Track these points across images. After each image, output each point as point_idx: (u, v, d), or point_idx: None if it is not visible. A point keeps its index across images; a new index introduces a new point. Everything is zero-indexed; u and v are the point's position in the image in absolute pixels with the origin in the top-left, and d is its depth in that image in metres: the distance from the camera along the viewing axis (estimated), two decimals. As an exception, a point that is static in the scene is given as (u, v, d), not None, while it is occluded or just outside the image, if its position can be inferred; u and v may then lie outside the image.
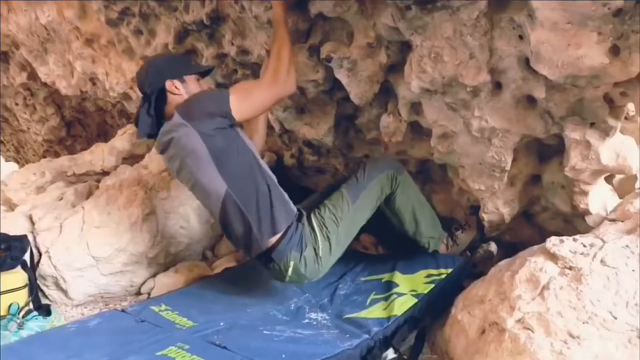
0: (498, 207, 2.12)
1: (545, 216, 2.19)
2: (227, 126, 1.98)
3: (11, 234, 2.63)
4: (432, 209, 2.39)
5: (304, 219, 2.10)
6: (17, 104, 5.20)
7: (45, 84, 4.38)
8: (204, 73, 2.27)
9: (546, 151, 2.00)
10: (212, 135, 1.95)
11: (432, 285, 2.12)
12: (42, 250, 2.68)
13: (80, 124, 5.43)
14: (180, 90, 2.09)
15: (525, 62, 1.67)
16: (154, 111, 2.11)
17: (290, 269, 2.06)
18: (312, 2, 2.03)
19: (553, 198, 2.04)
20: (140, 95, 2.17)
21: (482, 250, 2.51)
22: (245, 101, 1.99)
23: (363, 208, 2.18)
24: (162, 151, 2.13)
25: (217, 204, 2.05)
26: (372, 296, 2.13)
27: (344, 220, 2.12)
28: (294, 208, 2.11)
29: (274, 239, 2.02)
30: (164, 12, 2.72)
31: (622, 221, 1.72)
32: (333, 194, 2.22)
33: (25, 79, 4.58)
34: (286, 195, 2.12)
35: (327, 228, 2.09)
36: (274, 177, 2.11)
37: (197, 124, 1.95)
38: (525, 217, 2.28)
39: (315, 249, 2.06)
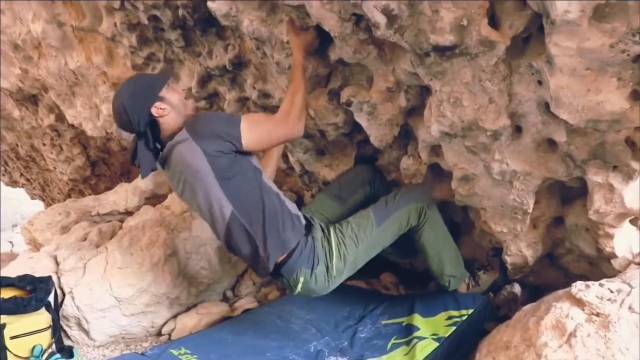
0: (521, 250, 2.10)
1: (569, 258, 2.15)
2: (232, 151, 1.96)
3: (36, 274, 2.67)
4: (457, 247, 2.37)
5: (317, 232, 2.09)
6: (44, 145, 5.34)
7: (72, 126, 4.50)
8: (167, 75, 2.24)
9: (569, 193, 1.99)
10: (217, 156, 1.94)
11: (453, 328, 2.09)
12: (66, 291, 2.71)
13: (104, 163, 5.54)
14: (166, 109, 2.04)
15: (545, 107, 1.67)
16: (153, 143, 2.07)
17: (299, 285, 2.06)
18: (332, 48, 2.07)
19: (577, 240, 2.02)
20: (124, 135, 2.15)
21: (506, 291, 2.47)
22: (255, 132, 1.98)
23: (386, 233, 2.18)
24: (163, 165, 2.11)
25: (222, 224, 2.03)
26: (392, 340, 2.10)
27: (364, 241, 2.12)
28: (303, 222, 2.10)
29: (282, 257, 2.01)
30: (188, 58, 2.80)
31: (650, 265, 1.69)
32: (359, 212, 2.22)
33: (53, 120, 4.71)
34: (294, 209, 2.10)
35: (345, 247, 2.09)
36: (281, 194, 2.10)
37: (203, 143, 1.94)
38: (550, 259, 2.24)
39: (327, 267, 2.06)
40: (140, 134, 2.07)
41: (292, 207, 2.11)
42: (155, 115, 2.03)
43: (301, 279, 2.04)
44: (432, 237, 2.26)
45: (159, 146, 2.10)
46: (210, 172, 1.95)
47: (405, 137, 2.25)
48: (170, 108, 2.05)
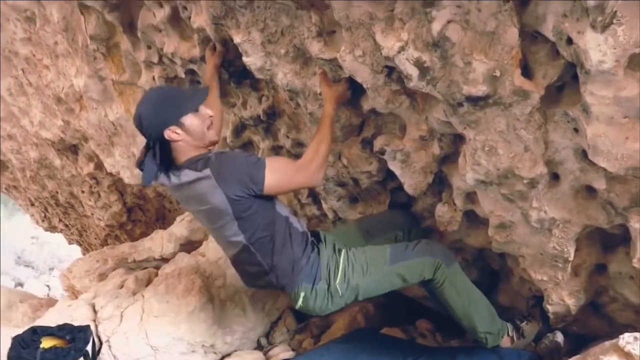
0: (563, 298, 2.04)
1: (614, 307, 2.08)
2: (252, 196, 1.97)
3: (75, 323, 2.71)
4: (489, 303, 2.27)
5: (325, 250, 2.12)
6: (83, 192, 5.50)
7: (110, 174, 4.64)
8: (201, 99, 2.07)
9: (611, 240, 1.93)
10: (238, 200, 1.95)
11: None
12: (103, 339, 2.75)
13: (140, 209, 5.67)
14: (181, 135, 1.98)
15: (583, 154, 1.66)
16: (160, 160, 2.01)
17: (300, 300, 2.10)
18: (365, 98, 2.11)
19: (622, 289, 1.95)
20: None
21: (548, 340, 2.39)
22: (276, 177, 1.99)
23: (395, 275, 2.15)
24: (175, 188, 2.07)
25: (232, 251, 2.12)
26: (433, 395, 2.04)
27: (372, 274, 2.12)
28: (309, 239, 2.14)
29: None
30: (223, 108, 2.88)
31: (701, 316, 1.62)
32: (379, 245, 2.23)
33: (92, 169, 4.87)
34: (301, 227, 2.15)
35: (352, 271, 2.09)
36: (290, 217, 2.13)
37: (225, 186, 1.94)
38: (593, 308, 2.17)
39: (329, 285, 2.07)
40: (150, 146, 2.04)
41: (299, 225, 2.16)
42: (167, 138, 1.98)
43: (302, 294, 2.08)
44: (455, 296, 2.19)
45: (163, 164, 2.03)
46: (229, 213, 1.98)
47: (440, 184, 2.24)
48: (186, 135, 1.99)
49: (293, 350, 3.02)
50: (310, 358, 2.63)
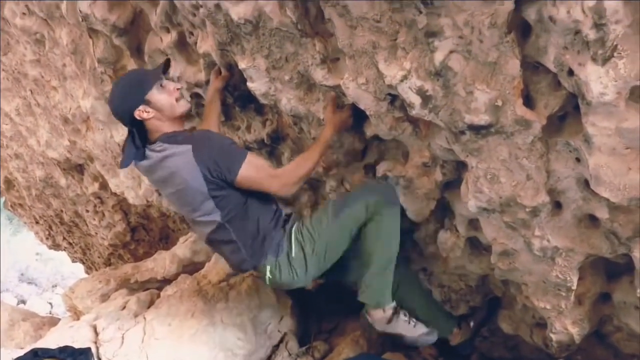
0: (567, 327, 2.02)
1: (619, 337, 2.06)
2: (224, 180, 2.03)
3: (76, 344, 2.70)
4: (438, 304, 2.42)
5: (287, 226, 2.19)
6: (87, 211, 5.52)
7: (114, 194, 4.66)
8: (162, 71, 2.13)
9: (615, 269, 1.92)
10: (214, 180, 2.01)
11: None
12: (104, 362, 2.73)
13: (144, 228, 5.67)
14: (150, 112, 2.04)
15: (585, 183, 1.66)
16: (139, 140, 2.09)
17: (267, 273, 2.15)
18: (368, 125, 2.12)
19: (626, 319, 1.93)
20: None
21: (552, 369, 2.37)
22: (251, 174, 2.04)
23: (344, 227, 2.16)
24: (152, 167, 2.11)
25: (207, 229, 2.15)
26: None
27: (321, 235, 2.15)
28: (282, 217, 2.22)
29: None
30: (227, 132, 2.89)
31: None
32: (321, 206, 2.30)
33: (97, 188, 4.89)
34: (275, 206, 2.23)
35: (302, 237, 2.14)
36: (272, 204, 2.21)
37: (203, 165, 1.99)
38: (598, 337, 2.15)
39: (288, 256, 2.13)
40: (130, 131, 2.12)
41: (274, 204, 2.24)
42: (139, 118, 2.05)
43: (268, 267, 2.14)
44: (374, 238, 2.15)
45: (143, 145, 2.11)
46: (204, 192, 2.03)
47: (443, 210, 2.24)
48: (156, 112, 2.05)
49: (294, 374, 2.99)
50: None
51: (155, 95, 2.06)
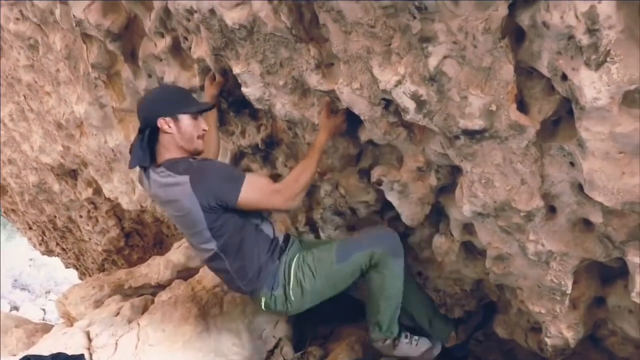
0: (561, 331, 2.02)
1: (614, 341, 2.06)
2: (224, 207, 2.03)
3: (69, 351, 2.68)
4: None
5: (285, 256, 2.19)
6: (81, 216, 5.49)
7: (108, 199, 4.64)
8: (204, 109, 2.22)
9: (609, 273, 1.93)
10: (211, 210, 2.02)
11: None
12: (97, 368, 2.71)
13: (138, 234, 5.64)
14: (172, 128, 2.08)
15: (579, 187, 1.66)
16: (147, 146, 2.11)
17: (262, 303, 2.18)
18: (362, 129, 2.12)
19: (621, 323, 1.94)
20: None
21: (547, 374, 2.37)
22: (251, 196, 2.04)
23: (345, 272, 2.19)
24: (153, 194, 2.14)
25: (203, 255, 2.19)
26: None
27: (322, 276, 2.17)
28: (280, 244, 2.22)
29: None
30: (221, 136, 2.89)
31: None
32: (325, 244, 2.29)
33: (91, 194, 4.87)
34: (271, 233, 2.22)
35: (303, 274, 2.14)
36: (260, 224, 2.19)
37: (200, 195, 1.99)
38: (592, 341, 2.15)
39: (285, 291, 2.14)
40: (142, 131, 2.12)
41: (270, 232, 2.23)
42: (159, 126, 2.07)
43: (262, 299, 2.16)
44: (379, 285, 2.22)
45: (148, 153, 2.12)
46: (202, 221, 2.04)
47: (437, 214, 2.25)
48: (177, 132, 2.08)
49: (289, 380, 2.98)
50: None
51: (186, 120, 2.11)
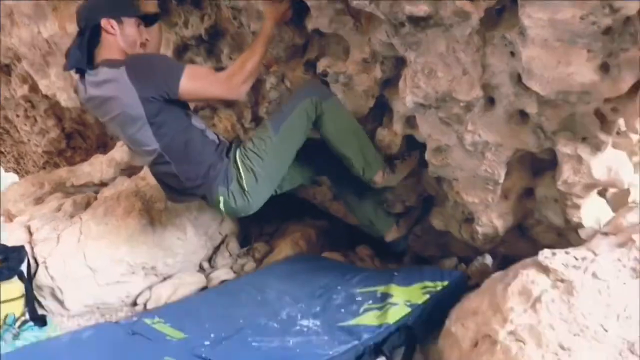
0: (492, 220, 2.14)
1: (539, 229, 2.20)
2: (166, 99, 1.97)
3: (9, 244, 2.64)
4: (368, 138, 2.30)
5: (231, 154, 2.16)
6: (17, 116, 5.23)
7: (46, 97, 4.41)
8: (146, 20, 2.13)
9: (539, 165, 2.02)
10: (151, 101, 1.95)
11: (427, 297, 2.12)
12: (39, 261, 2.69)
13: (80, 135, 5.45)
14: (115, 31, 2.00)
15: (518, 78, 1.70)
16: (86, 48, 2.00)
17: (221, 204, 2.14)
18: (309, 18, 2.06)
19: (546, 211, 2.06)
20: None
21: (478, 263, 2.53)
22: (194, 84, 1.98)
23: (288, 138, 2.16)
24: (89, 97, 2.06)
25: (147, 159, 2.14)
26: (365, 305, 2.14)
27: (268, 153, 2.13)
28: (225, 146, 2.18)
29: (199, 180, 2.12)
30: (164, 27, 2.74)
31: (615, 235, 1.74)
32: (259, 126, 2.26)
33: (27, 91, 4.60)
34: (215, 138, 2.19)
35: (250, 160, 2.12)
36: (205, 130, 2.16)
37: (140, 87, 1.92)
38: (520, 231, 2.29)
39: (239, 183, 2.12)
40: (81, 32, 2.03)
41: (214, 137, 2.19)
42: (103, 26, 1.99)
43: (221, 199, 2.13)
44: (333, 129, 2.19)
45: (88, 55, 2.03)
46: (142, 116, 1.97)
47: (381, 108, 2.26)
48: (120, 35, 2.01)
49: (235, 273, 3.06)
50: (251, 279, 2.69)
51: (130, 25, 2.03)
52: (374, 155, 2.28)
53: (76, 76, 2.12)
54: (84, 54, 1.99)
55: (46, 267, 2.66)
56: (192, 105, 2.53)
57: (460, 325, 1.78)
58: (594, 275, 1.53)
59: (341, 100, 2.21)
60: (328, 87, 2.23)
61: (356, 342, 1.83)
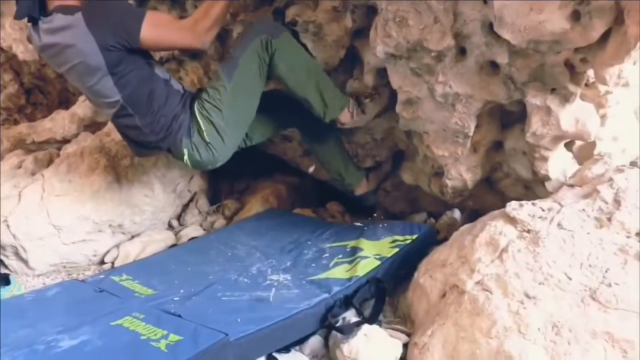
0: (461, 174, 2.14)
1: (506, 183, 2.22)
2: (126, 47, 1.89)
3: (-33, 203, 2.56)
4: (328, 76, 2.19)
5: (194, 105, 2.10)
6: (-28, 70, 5.00)
7: (1, 49, 4.21)
8: None
9: (509, 118, 2.02)
10: (111, 50, 1.87)
11: (397, 250, 2.13)
12: (0, 219, 2.61)
13: (40, 91, 5.24)
14: None
15: (489, 27, 1.67)
16: None
17: (185, 157, 2.11)
18: (277, -37, 1.99)
19: (514, 164, 2.07)
20: None
21: (446, 217, 2.55)
22: (155, 31, 1.91)
23: (244, 84, 2.07)
24: (44, 45, 1.97)
25: (109, 110, 2.08)
26: (335, 259, 2.14)
27: (224, 102, 2.05)
28: (189, 98, 2.12)
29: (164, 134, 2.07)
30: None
31: (580, 186, 1.76)
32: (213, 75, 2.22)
33: (-20, 43, 4.39)
34: (181, 89, 2.13)
35: (207, 112, 2.06)
36: (170, 80, 2.10)
37: (98, 35, 1.85)
38: (488, 184, 2.31)
39: (201, 135, 2.07)
40: None
41: (178, 86, 2.13)
42: None
43: (185, 151, 2.09)
44: (285, 68, 2.06)
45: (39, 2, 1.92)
46: (102, 66, 1.90)
47: (352, 60, 2.21)
48: None
49: (205, 230, 3.04)
50: (221, 235, 2.67)
51: None
52: (335, 94, 2.17)
53: (29, 25, 2.00)
54: (35, 1, 1.87)
55: (8, 226, 2.57)
56: (157, 57, 2.44)
57: (429, 277, 1.80)
58: (559, 225, 1.56)
59: (311, 50, 2.15)
60: (284, 26, 2.11)
61: (326, 295, 1.84)
